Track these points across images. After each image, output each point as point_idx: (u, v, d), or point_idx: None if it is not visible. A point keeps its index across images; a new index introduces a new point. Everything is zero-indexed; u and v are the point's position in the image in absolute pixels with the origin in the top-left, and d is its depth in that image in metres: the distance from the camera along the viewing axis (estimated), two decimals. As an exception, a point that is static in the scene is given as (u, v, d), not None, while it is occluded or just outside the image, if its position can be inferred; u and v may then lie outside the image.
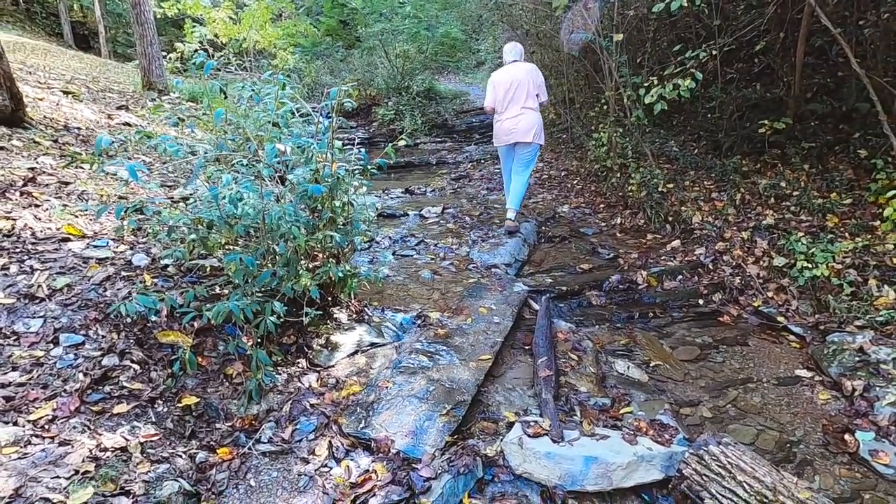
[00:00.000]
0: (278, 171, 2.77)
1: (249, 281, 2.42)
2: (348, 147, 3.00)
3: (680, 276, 3.98)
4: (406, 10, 10.93)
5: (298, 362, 2.60)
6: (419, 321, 3.17)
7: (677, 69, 4.38)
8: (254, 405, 2.25)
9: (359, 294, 3.24)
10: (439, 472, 1.97)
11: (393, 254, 4.36)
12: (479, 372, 2.64)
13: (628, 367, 2.94)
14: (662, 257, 4.29)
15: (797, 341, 3.21)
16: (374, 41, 11.04)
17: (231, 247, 2.85)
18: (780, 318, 3.39)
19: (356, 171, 2.86)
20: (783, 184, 4.55)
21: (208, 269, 2.74)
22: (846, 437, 2.36)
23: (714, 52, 4.46)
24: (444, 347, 2.85)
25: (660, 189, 5.10)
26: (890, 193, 3.47)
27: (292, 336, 2.71)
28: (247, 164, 2.45)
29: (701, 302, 3.74)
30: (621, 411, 2.48)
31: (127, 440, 1.76)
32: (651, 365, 2.98)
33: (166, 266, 2.74)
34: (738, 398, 2.73)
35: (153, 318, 2.35)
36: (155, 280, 2.61)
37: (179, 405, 2.07)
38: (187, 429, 2.00)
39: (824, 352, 2.93)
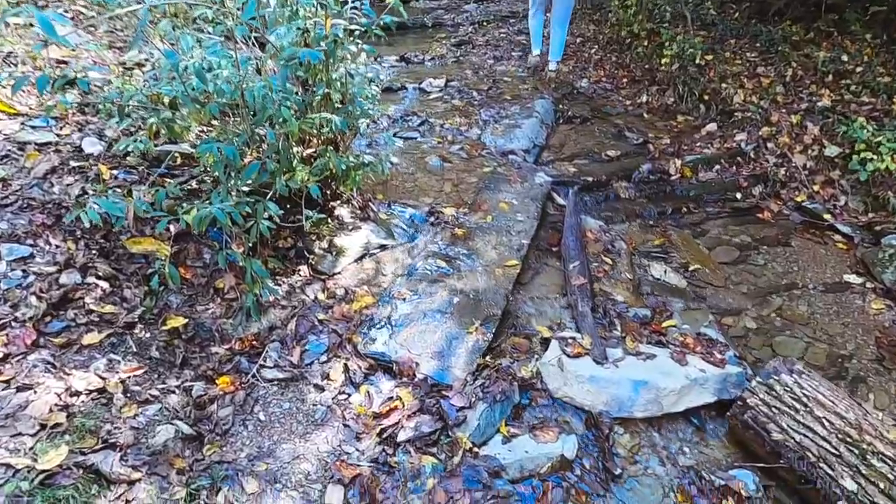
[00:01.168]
0: (254, 30, 2.14)
1: (233, 175, 1.96)
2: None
3: (717, 166, 3.57)
4: None
5: (299, 270, 2.25)
6: (432, 218, 2.78)
7: None
8: (253, 323, 1.94)
9: (362, 185, 2.79)
10: (473, 400, 1.75)
11: (394, 136, 3.81)
12: (506, 280, 2.33)
13: (665, 272, 2.66)
14: (697, 144, 3.82)
15: (844, 242, 2.94)
16: None
17: (206, 130, 2.32)
18: (827, 216, 3.09)
19: (356, 33, 2.22)
20: (844, 57, 3.94)
21: (179, 157, 2.24)
22: (904, 352, 2.19)
23: None
24: (464, 251, 2.51)
25: (696, 62, 4.43)
26: None
27: (289, 239, 2.32)
28: (213, 20, 1.83)
29: (739, 196, 3.38)
30: (664, 324, 2.25)
31: (104, 378, 1.45)
32: (689, 269, 2.71)
33: (126, 154, 2.22)
34: (783, 306, 2.52)
35: (119, 222, 1.91)
36: (114, 172, 2.12)
37: (164, 329, 1.74)
38: (177, 356, 1.70)
39: (879, 256, 2.67)
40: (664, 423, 1.86)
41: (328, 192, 2.63)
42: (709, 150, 3.72)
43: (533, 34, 5.23)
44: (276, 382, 1.75)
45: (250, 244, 1.98)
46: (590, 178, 3.40)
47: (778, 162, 3.49)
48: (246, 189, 2.03)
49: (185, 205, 2.00)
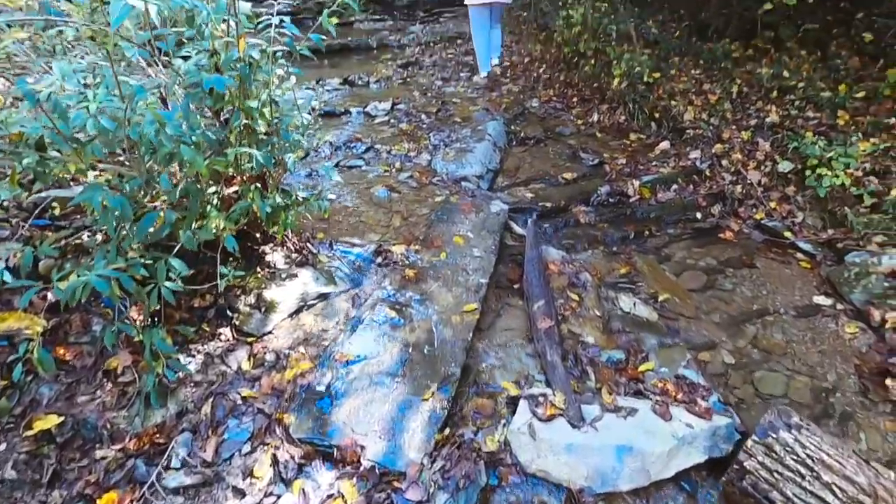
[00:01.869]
0: (157, 52, 1.81)
1: (128, 229, 1.60)
2: (266, 18, 2.03)
3: (675, 186, 3.47)
4: None
5: (220, 333, 1.89)
6: (379, 258, 2.49)
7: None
8: (156, 412, 1.57)
9: (297, 225, 2.47)
10: (432, 489, 1.45)
11: (336, 165, 3.51)
12: (465, 329, 2.06)
13: (634, 304, 2.47)
14: (653, 163, 3.73)
15: (807, 260, 2.86)
16: None
17: (102, 167, 1.94)
18: (787, 234, 3.01)
19: (279, 55, 1.93)
20: (785, 73, 3.98)
21: (56, 207, 1.85)
22: (887, 381, 2.06)
23: None
24: (417, 295, 2.22)
25: (645, 79, 4.40)
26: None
27: (207, 296, 1.96)
28: (89, 37, 1.49)
29: (699, 215, 3.28)
30: (640, 368, 2.03)
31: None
32: (659, 299, 2.53)
33: (-6, 204, 1.82)
34: (758, 336, 2.37)
35: (-28, 293, 1.51)
36: (-25, 228, 1.71)
37: (29, 434, 1.35)
38: (45, 471, 1.31)
39: (844, 275, 2.59)
40: (652, 492, 1.62)
41: (258, 234, 2.30)
42: (665, 168, 3.63)
43: (480, 56, 5.29)
44: (183, 491, 1.39)
45: (152, 310, 1.62)
46: (548, 204, 3.21)
47: (733, 179, 3.43)
48: (151, 246, 1.68)
49: (68, 264, 1.63)
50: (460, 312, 2.13)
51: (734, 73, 4.33)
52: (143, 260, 1.54)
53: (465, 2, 4.92)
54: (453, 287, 2.29)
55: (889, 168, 2.97)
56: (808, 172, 3.12)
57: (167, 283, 1.55)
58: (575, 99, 5.06)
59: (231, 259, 1.91)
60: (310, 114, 2.45)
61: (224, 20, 1.70)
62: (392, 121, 4.31)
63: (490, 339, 2.15)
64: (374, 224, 2.80)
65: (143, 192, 1.63)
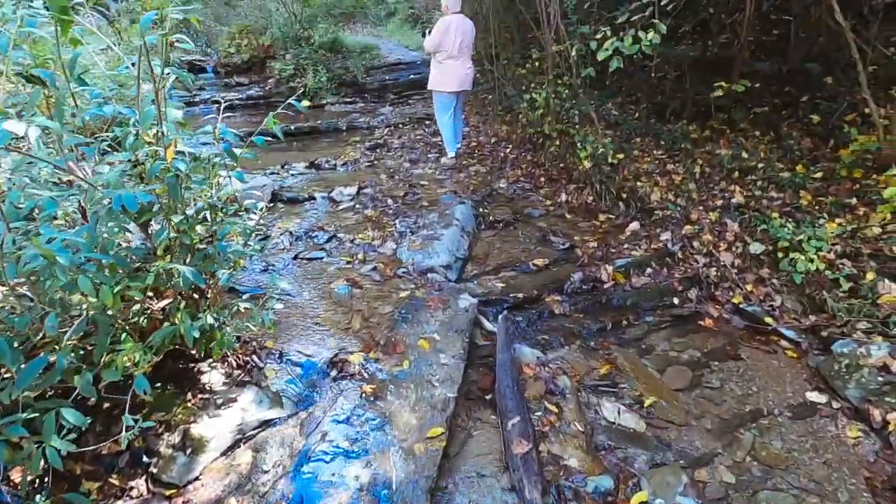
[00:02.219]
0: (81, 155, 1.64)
1: (14, 375, 1.32)
2: (210, 116, 1.90)
3: (649, 269, 3.36)
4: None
5: (131, 487, 1.56)
6: (334, 371, 2.22)
7: (631, 17, 3.62)
8: None
9: (240, 338, 2.21)
10: None
11: (295, 257, 3.30)
12: (429, 462, 1.78)
13: (618, 412, 2.24)
14: (624, 245, 3.65)
15: (793, 349, 2.71)
16: (264, -21, 9.26)
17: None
18: (768, 320, 2.88)
19: (215, 160, 1.77)
20: (744, 154, 4.07)
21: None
22: (905, 500, 1.84)
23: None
24: (375, 418, 1.94)
25: (609, 160, 4.45)
26: (892, 171, 3.04)
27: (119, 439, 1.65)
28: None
29: (676, 301, 3.14)
30: (632, 501, 1.77)
31: None
32: (645, 405, 2.31)
33: None
34: (755, 445, 2.14)
35: None
36: None
37: None
38: None
39: (835, 367, 2.44)
40: None
41: (195, 351, 2.02)
42: (637, 251, 3.54)
43: (447, 138, 5.35)
44: None
45: (34, 475, 1.31)
46: (519, 295, 3.04)
47: (707, 261, 3.35)
48: (45, 394, 1.40)
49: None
50: (424, 439, 1.86)
51: (695, 153, 4.42)
52: (24, 415, 1.25)
53: (429, 87, 5.04)
54: (417, 405, 2.02)
55: (860, 250, 2.93)
56: (780, 255, 3.06)
57: (54, 443, 1.26)
58: (542, 179, 5.07)
59: (154, 389, 1.62)
60: (257, 213, 2.28)
61: (149, 125, 1.54)
62: (357, 206, 4.19)
63: (459, 469, 1.87)
64: (331, 326, 2.55)
65: (35, 329, 1.37)
